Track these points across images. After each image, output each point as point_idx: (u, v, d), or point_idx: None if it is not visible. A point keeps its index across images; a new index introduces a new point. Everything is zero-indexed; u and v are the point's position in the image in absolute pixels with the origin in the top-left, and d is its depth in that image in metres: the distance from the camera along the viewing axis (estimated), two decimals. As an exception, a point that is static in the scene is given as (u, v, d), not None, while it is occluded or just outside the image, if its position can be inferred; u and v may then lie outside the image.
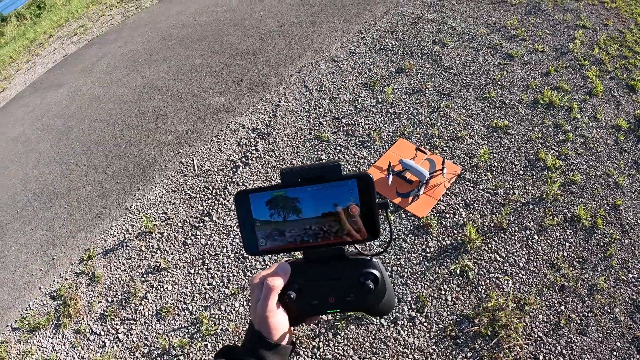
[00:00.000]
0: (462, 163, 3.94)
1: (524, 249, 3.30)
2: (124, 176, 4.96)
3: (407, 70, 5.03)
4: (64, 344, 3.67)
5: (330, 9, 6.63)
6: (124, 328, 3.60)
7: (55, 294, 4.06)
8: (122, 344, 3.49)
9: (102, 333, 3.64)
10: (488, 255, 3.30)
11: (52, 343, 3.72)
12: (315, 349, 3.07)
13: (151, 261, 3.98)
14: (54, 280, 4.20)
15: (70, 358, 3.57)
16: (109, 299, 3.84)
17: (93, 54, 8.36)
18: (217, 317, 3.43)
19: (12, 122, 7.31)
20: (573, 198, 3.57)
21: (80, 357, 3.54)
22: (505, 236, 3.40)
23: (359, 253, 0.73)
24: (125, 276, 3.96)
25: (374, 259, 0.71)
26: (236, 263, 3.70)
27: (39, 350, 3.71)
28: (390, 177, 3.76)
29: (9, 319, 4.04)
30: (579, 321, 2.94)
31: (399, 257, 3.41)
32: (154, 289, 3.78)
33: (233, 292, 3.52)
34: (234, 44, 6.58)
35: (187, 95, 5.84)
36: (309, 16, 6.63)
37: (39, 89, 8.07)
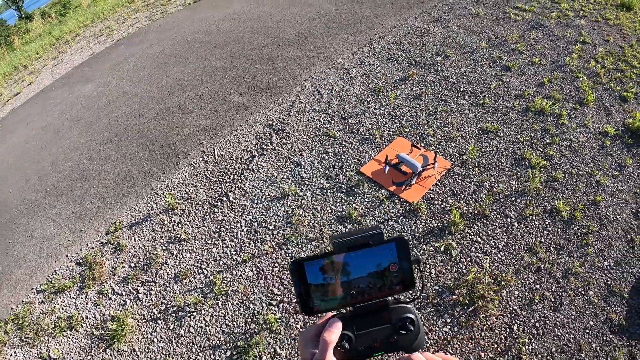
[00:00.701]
0: (453, 159, 4.44)
1: (504, 234, 3.76)
2: (150, 162, 5.45)
3: (410, 79, 5.57)
4: (87, 303, 4.09)
5: (344, 22, 7.23)
6: (144, 289, 4.03)
7: (81, 261, 4.50)
8: (141, 303, 3.93)
9: (124, 293, 4.07)
10: (470, 237, 3.77)
11: (75, 303, 4.13)
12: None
13: (172, 233, 4.44)
14: (80, 249, 4.63)
15: (91, 315, 3.99)
16: (132, 265, 4.29)
17: (120, 53, 8.93)
18: (228, 280, 3.88)
19: (41, 112, 7.85)
20: (554, 193, 4.02)
21: (101, 314, 3.97)
22: (487, 222, 3.86)
23: (397, 301, 0.81)
24: (148, 245, 4.40)
25: (409, 305, 0.80)
26: (248, 235, 4.19)
27: (62, 309, 4.11)
28: (387, 168, 4.28)
29: (34, 283, 4.46)
30: (553, 299, 3.33)
31: (391, 234, 3.90)
32: (173, 256, 4.22)
33: (244, 259, 3.98)
34: (254, 50, 7.15)
35: (210, 94, 6.39)
36: (324, 27, 7.22)
37: (67, 84, 8.61)
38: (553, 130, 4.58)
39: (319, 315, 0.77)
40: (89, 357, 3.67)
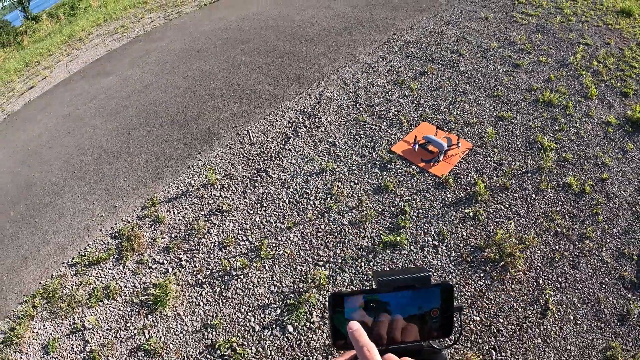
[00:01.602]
0: (474, 141, 4.87)
1: (524, 203, 4.19)
2: (184, 144, 5.74)
3: (428, 73, 6.02)
4: (125, 273, 4.24)
5: (361, 22, 7.69)
6: (187, 257, 4.25)
7: (116, 234, 4.67)
8: (185, 270, 4.13)
9: (165, 262, 4.25)
10: (495, 205, 4.19)
11: (112, 273, 4.28)
12: (358, 267, 3.87)
13: (213, 206, 4.72)
14: (115, 224, 4.80)
15: (130, 284, 4.15)
16: (172, 235, 4.50)
17: (139, 49, 9.21)
18: (274, 245, 4.18)
19: (61, 102, 8.05)
20: (565, 171, 4.49)
21: (141, 283, 4.14)
22: (509, 193, 4.30)
23: (430, 345, 0.79)
24: (189, 217, 4.66)
25: (443, 352, 0.78)
26: (290, 205, 4.51)
27: (97, 280, 4.25)
28: (416, 146, 4.68)
29: (65, 258, 4.58)
30: (571, 258, 3.76)
31: (423, 202, 4.28)
32: (216, 226, 4.49)
33: (289, 226, 4.30)
34: (278, 47, 7.54)
35: (239, 84, 6.73)
36: (343, 27, 7.67)
37: (86, 77, 8.84)
38: (561, 119, 5.05)
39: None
40: (128, 324, 3.80)
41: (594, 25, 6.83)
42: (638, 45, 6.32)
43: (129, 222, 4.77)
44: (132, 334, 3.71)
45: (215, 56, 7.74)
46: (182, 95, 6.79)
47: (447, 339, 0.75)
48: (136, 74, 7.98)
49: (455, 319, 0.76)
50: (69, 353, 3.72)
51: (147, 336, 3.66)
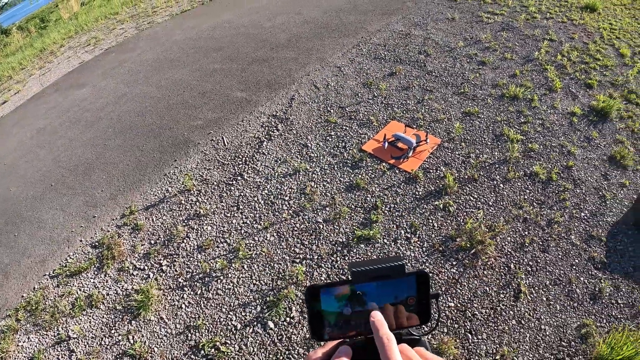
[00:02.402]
0: (442, 137, 5.05)
1: (492, 193, 4.38)
2: (160, 152, 5.81)
3: (397, 74, 6.20)
4: (107, 281, 4.28)
5: (331, 27, 7.86)
6: (167, 262, 4.32)
7: (96, 244, 4.69)
8: (166, 274, 4.20)
9: (146, 268, 4.31)
10: (464, 196, 4.36)
11: (93, 282, 4.30)
12: (333, 262, 4.01)
13: (191, 211, 4.80)
14: (95, 234, 4.83)
15: (113, 291, 4.19)
16: (152, 242, 4.56)
17: (112, 60, 9.23)
18: (251, 245, 4.29)
19: (35, 116, 8.01)
20: (531, 160, 4.69)
21: (123, 289, 4.18)
22: (477, 184, 4.48)
23: (410, 333, 0.80)
24: (167, 223, 4.72)
25: (422, 338, 0.79)
26: (266, 206, 4.63)
27: (79, 290, 4.27)
28: (386, 144, 4.85)
29: (46, 270, 4.59)
30: (541, 243, 3.95)
31: (395, 197, 4.44)
32: (194, 230, 4.57)
33: (265, 226, 4.41)
34: (249, 53, 7.66)
35: (212, 91, 6.83)
36: (312, 32, 7.83)
37: (59, 89, 8.81)
38: (526, 112, 5.26)
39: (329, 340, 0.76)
40: (112, 331, 3.84)
41: (559, 22, 7.13)
42: (602, 38, 6.61)
43: (109, 231, 4.80)
44: (117, 340, 3.75)
45: (187, 65, 7.82)
46: (157, 104, 6.86)
47: (425, 326, 0.72)
48: (110, 85, 8.00)
49: (432, 306, 0.77)
50: (55, 362, 3.70)
51: (132, 341, 3.71)
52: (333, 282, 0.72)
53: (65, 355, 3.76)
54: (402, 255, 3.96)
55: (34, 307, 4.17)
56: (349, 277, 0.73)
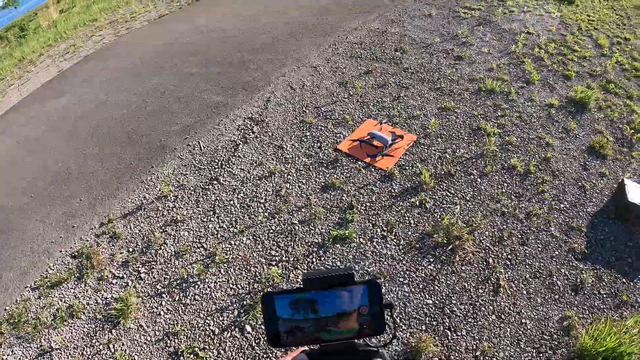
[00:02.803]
0: (418, 133, 5.05)
1: (469, 188, 4.39)
2: (138, 159, 5.76)
3: (373, 72, 6.20)
4: (87, 291, 4.24)
5: (308, 27, 7.86)
6: (145, 269, 4.28)
7: (76, 254, 4.63)
8: (144, 282, 4.17)
9: (124, 276, 4.27)
10: (440, 192, 4.36)
11: (74, 292, 4.26)
12: (310, 263, 4.00)
13: (168, 217, 4.76)
14: (74, 243, 4.77)
15: (93, 301, 4.14)
16: (130, 249, 4.52)
17: (90, 68, 9.16)
18: (228, 249, 4.26)
19: (15, 127, 7.88)
20: (509, 153, 4.72)
21: (103, 299, 4.14)
22: (454, 180, 4.48)
23: (367, 345, 0.81)
24: (145, 230, 4.68)
25: (380, 350, 0.80)
26: (242, 210, 4.61)
27: (60, 300, 4.22)
28: (361, 143, 4.84)
29: (27, 281, 4.53)
30: (520, 236, 3.96)
31: (370, 196, 4.44)
32: (171, 236, 4.53)
33: (241, 229, 4.39)
34: (226, 57, 7.63)
35: (189, 96, 6.79)
36: (290, 33, 7.82)
37: (38, 99, 8.71)
38: (504, 105, 5.29)
39: (288, 348, 0.77)
40: (93, 341, 3.81)
41: (536, 15, 7.19)
42: (580, 30, 6.66)
43: (88, 240, 4.75)
44: (98, 349, 3.73)
45: (165, 70, 7.77)
46: (135, 111, 6.82)
47: (382, 338, 0.70)
48: (89, 93, 7.94)
49: (387, 316, 0.78)
50: (38, 375, 3.65)
51: (113, 350, 3.69)
52: (287, 290, 0.76)
53: (48, 367, 3.67)
54: (378, 254, 3.95)
55: (16, 320, 4.11)
56: (301, 284, 0.75)
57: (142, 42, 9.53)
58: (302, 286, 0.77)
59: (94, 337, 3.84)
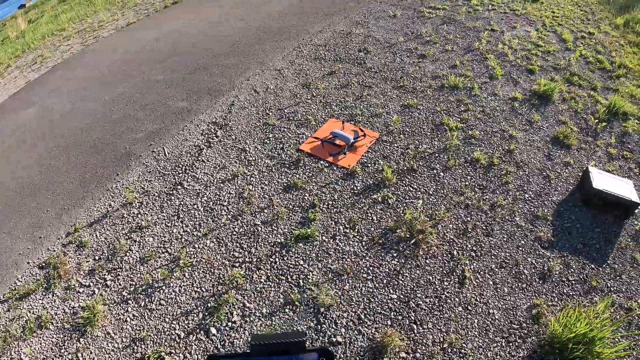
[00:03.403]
0: (380, 131, 5.12)
1: (432, 182, 4.46)
2: (103, 167, 5.74)
3: (336, 72, 6.27)
4: (54, 301, 4.22)
5: (272, 31, 7.91)
6: (111, 276, 4.27)
7: (43, 264, 4.62)
8: (110, 289, 4.16)
9: (91, 284, 4.27)
10: (403, 188, 4.43)
11: (42, 303, 4.24)
12: (273, 263, 4.04)
13: (133, 223, 4.75)
14: (42, 254, 4.74)
15: (61, 311, 4.13)
16: (96, 257, 4.50)
17: (58, 78, 9.09)
18: (192, 253, 4.27)
19: (-19, 141, 7.84)
20: (472, 147, 4.82)
21: (70, 308, 4.13)
22: (417, 175, 4.56)
23: None
24: (111, 238, 4.67)
25: None
26: (205, 213, 4.62)
27: (29, 312, 4.20)
28: (323, 143, 4.91)
29: None
30: (484, 227, 4.04)
31: (333, 194, 4.49)
32: (137, 243, 4.52)
33: (204, 233, 4.40)
34: (192, 63, 7.64)
35: (154, 103, 6.78)
36: (254, 38, 7.87)
37: (5, 112, 8.60)
38: (467, 100, 5.40)
39: None
40: (62, 350, 3.80)
41: (501, 12, 7.36)
42: (544, 26, 6.83)
43: (54, 250, 4.73)
44: (67, 359, 3.71)
45: (132, 77, 7.75)
46: (100, 120, 6.79)
47: None
48: (56, 104, 7.88)
49: None
50: (11, 389, 3.61)
51: (82, 359, 3.68)
52: (233, 353, 0.73)
53: (19, 380, 3.64)
54: (341, 251, 3.99)
55: None
56: (248, 349, 0.71)
57: (109, 50, 9.48)
58: (248, 351, 0.72)
59: (63, 347, 3.82)
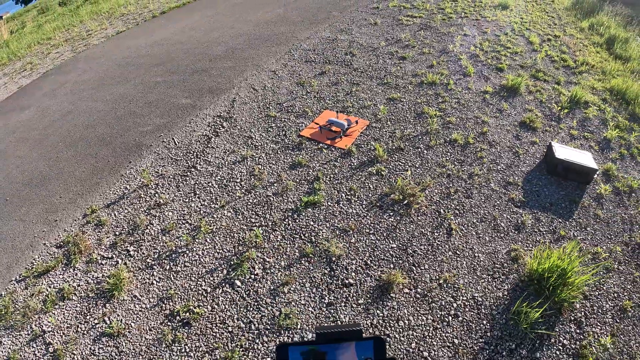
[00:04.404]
0: (370, 119, 5.86)
1: (418, 158, 5.21)
2: (114, 157, 6.15)
3: (326, 73, 7.01)
4: (76, 274, 4.48)
5: (263, 38, 8.60)
6: (134, 247, 4.65)
7: (61, 243, 4.87)
8: (134, 258, 4.53)
9: (114, 256, 4.60)
10: (393, 163, 5.15)
11: (63, 277, 4.48)
12: (287, 225, 4.64)
13: (151, 202, 5.17)
14: (58, 235, 5.01)
15: (84, 282, 4.41)
16: (117, 233, 4.86)
17: (51, 82, 9.34)
18: (211, 221, 4.78)
19: (-22, 143, 8.02)
20: (450, 130, 5.59)
21: (94, 278, 4.43)
22: (404, 152, 5.29)
23: None
24: (130, 215, 5.06)
25: None
26: (220, 189, 5.16)
27: (49, 287, 4.41)
28: (321, 129, 5.60)
29: (12, 275, 4.67)
30: (464, 191, 4.79)
31: (333, 169, 5.17)
32: (156, 217, 4.95)
33: (222, 205, 4.95)
34: (189, 66, 8.20)
35: (158, 100, 7.28)
36: (247, 43, 8.53)
37: (1, 113, 8.84)
38: (444, 94, 6.21)
39: None
40: (87, 317, 4.05)
41: (473, 19, 8.33)
42: (513, 31, 7.79)
43: (72, 230, 5.00)
44: (93, 324, 3.96)
45: (130, 80, 8.20)
46: (105, 117, 7.19)
47: None
48: (53, 105, 8.16)
49: None
50: (33, 358, 3.87)
51: (108, 322, 3.96)
52: (301, 342, 0.83)
53: (42, 349, 3.89)
54: (345, 212, 4.64)
55: (3, 312, 4.23)
56: (314, 337, 0.84)
57: (102, 56, 9.88)
58: (314, 339, 0.83)
59: (88, 314, 4.08)
